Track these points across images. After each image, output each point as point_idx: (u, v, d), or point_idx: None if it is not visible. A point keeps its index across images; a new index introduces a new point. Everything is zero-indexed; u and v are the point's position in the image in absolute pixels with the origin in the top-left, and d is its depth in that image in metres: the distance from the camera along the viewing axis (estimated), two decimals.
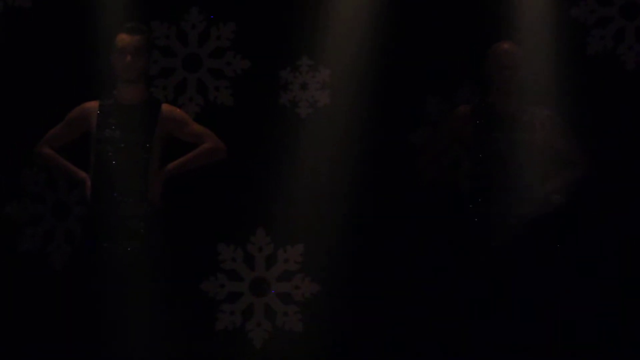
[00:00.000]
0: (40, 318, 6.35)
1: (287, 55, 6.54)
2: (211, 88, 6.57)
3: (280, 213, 6.50)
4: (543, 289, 5.84)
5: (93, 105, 5.80)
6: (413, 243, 6.45)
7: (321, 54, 6.51)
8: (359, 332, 6.43)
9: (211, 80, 6.57)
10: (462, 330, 5.94)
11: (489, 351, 5.77)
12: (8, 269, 6.42)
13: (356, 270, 6.46)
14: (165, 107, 5.85)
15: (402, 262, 6.44)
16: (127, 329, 5.67)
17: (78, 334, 5.74)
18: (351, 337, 6.43)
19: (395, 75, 6.47)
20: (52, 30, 6.40)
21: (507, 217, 5.83)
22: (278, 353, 6.49)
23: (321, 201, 6.49)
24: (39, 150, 5.85)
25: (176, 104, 6.27)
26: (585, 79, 6.32)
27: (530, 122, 5.88)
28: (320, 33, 6.47)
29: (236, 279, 6.55)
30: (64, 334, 6.07)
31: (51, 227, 6.50)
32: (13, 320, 6.38)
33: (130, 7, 6.14)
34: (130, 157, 5.71)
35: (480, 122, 5.90)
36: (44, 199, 6.52)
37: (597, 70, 6.41)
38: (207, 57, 6.58)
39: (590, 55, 6.44)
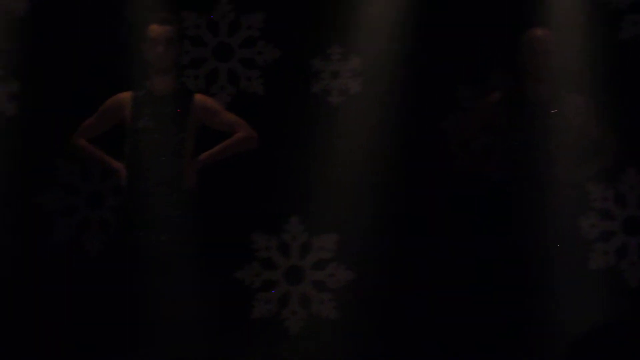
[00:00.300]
0: (75, 306, 6.39)
1: (318, 43, 6.53)
2: (242, 77, 6.59)
3: (314, 201, 6.50)
4: (571, 280, 5.82)
5: (126, 96, 5.84)
6: (446, 230, 6.44)
7: (352, 41, 6.50)
8: (393, 318, 6.43)
9: (242, 69, 6.59)
10: (494, 317, 5.93)
11: (522, 334, 5.77)
12: (43, 258, 6.46)
13: (390, 258, 6.45)
14: (197, 96, 5.88)
15: (436, 249, 6.43)
16: (162, 318, 5.69)
17: (113, 323, 5.78)
18: (386, 323, 6.43)
19: (427, 62, 6.45)
20: (84, 21, 6.43)
21: (539, 204, 5.82)
22: (313, 340, 6.50)
23: (354, 189, 6.48)
24: (73, 141, 5.90)
25: (208, 94, 6.29)
26: (618, 64, 6.27)
27: (564, 108, 5.85)
28: (351, 21, 6.46)
29: (271, 268, 6.57)
30: (98, 322, 6.11)
31: (85, 217, 6.55)
32: (48, 309, 6.43)
33: None
34: (163, 146, 5.74)
35: (512, 109, 5.88)
36: (78, 189, 6.56)
37: (630, 55, 6.36)
38: (238, 47, 6.60)
39: (623, 40, 6.39)
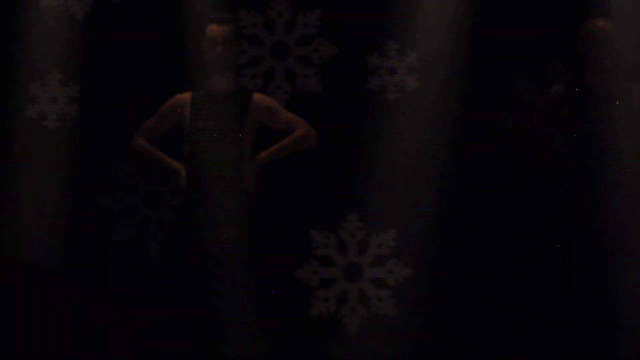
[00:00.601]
0: (136, 307, 6.41)
1: (374, 40, 6.52)
2: (299, 75, 6.58)
3: (372, 198, 6.49)
4: (633, 277, 5.74)
5: (185, 96, 5.85)
6: (505, 225, 6.40)
7: (408, 37, 6.48)
8: (452, 315, 6.40)
9: (299, 67, 6.58)
10: (556, 315, 5.88)
11: (585, 336, 5.71)
12: (105, 259, 6.50)
13: (449, 254, 6.43)
14: (256, 95, 5.88)
15: (493, 244, 6.39)
16: (222, 317, 5.70)
17: (173, 323, 5.79)
18: (445, 320, 6.41)
19: (484, 56, 6.42)
20: (142, 23, 6.46)
21: (603, 199, 5.75)
22: (373, 338, 6.49)
23: (412, 185, 6.46)
24: (133, 142, 5.91)
25: (265, 93, 6.29)
26: None
27: (628, 100, 5.78)
28: (407, 16, 6.44)
29: (329, 265, 6.56)
30: (158, 323, 6.13)
31: (145, 218, 6.57)
32: (109, 310, 6.45)
33: None
34: (223, 146, 5.75)
35: (574, 101, 5.83)
36: (137, 190, 6.59)
37: None
38: (295, 45, 6.59)
39: None
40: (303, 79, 6.58)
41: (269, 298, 5.97)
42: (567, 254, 5.78)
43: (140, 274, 6.47)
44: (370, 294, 6.53)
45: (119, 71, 6.45)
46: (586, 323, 5.69)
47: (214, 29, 5.76)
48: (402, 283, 6.52)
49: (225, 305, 5.71)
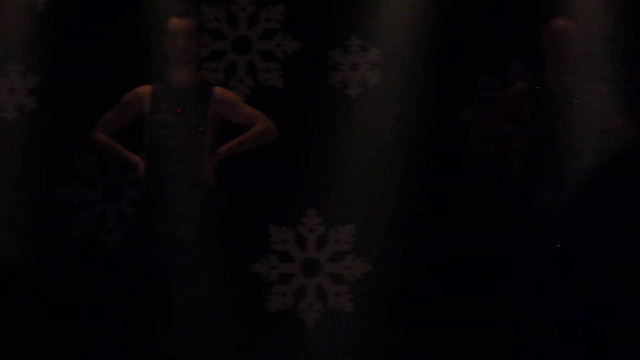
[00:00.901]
0: (93, 300, 6.38)
1: (336, 35, 6.51)
2: (261, 70, 6.56)
3: (331, 194, 6.48)
4: (585, 273, 5.78)
5: (145, 89, 5.82)
6: (464, 222, 6.42)
7: (371, 33, 6.47)
8: (409, 311, 6.42)
9: (261, 62, 6.56)
10: (508, 310, 5.92)
11: (532, 329, 5.75)
12: (62, 251, 6.46)
13: (407, 250, 6.44)
14: (217, 89, 5.85)
15: (452, 241, 6.41)
16: (180, 311, 5.68)
17: (130, 316, 5.77)
18: (402, 317, 6.42)
19: (446, 53, 6.42)
20: (103, 15, 6.41)
21: (561, 196, 5.79)
22: (330, 333, 6.49)
23: (372, 181, 6.47)
24: (92, 135, 5.88)
25: (227, 87, 6.27)
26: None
27: (587, 98, 5.82)
28: (369, 12, 6.44)
29: (288, 260, 6.56)
30: (116, 316, 6.10)
31: (103, 211, 6.53)
32: (67, 303, 6.42)
33: None
34: (182, 140, 5.72)
35: (535, 99, 5.85)
36: (96, 183, 6.55)
37: None
38: (257, 39, 6.57)
39: None
40: (265, 74, 6.56)
41: (227, 293, 5.96)
42: (523, 249, 5.82)
43: (98, 267, 6.43)
44: (329, 289, 6.53)
45: (79, 63, 6.39)
46: (540, 318, 5.73)
47: (176, 22, 5.73)
48: (360, 279, 6.53)
49: (183, 299, 5.70)
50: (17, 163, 6.41)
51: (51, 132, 6.44)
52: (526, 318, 5.76)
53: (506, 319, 5.95)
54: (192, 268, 5.72)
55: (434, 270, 6.43)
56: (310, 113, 6.49)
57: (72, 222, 6.52)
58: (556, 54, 5.81)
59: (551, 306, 5.73)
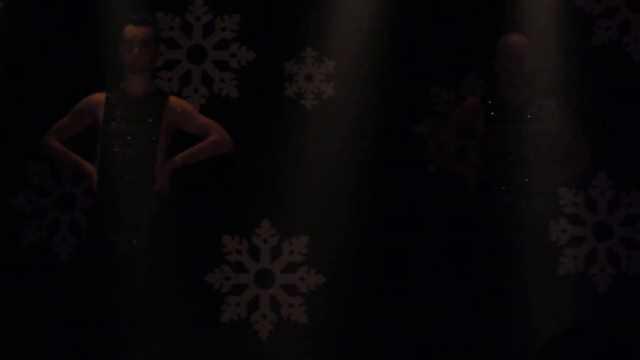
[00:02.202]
0: (45, 309, 6.34)
1: (291, 46, 6.52)
2: (216, 80, 6.56)
3: (285, 205, 6.48)
4: (541, 284, 5.83)
5: (100, 97, 5.79)
6: (418, 234, 6.44)
7: (326, 45, 6.49)
8: (363, 323, 6.43)
9: (216, 72, 6.55)
10: (464, 324, 5.94)
11: (488, 345, 5.78)
12: (13, 260, 6.40)
13: (361, 262, 6.45)
14: (172, 98, 5.84)
15: (407, 253, 6.44)
16: (132, 320, 5.65)
17: (82, 325, 5.73)
18: (356, 328, 6.43)
19: (400, 66, 6.46)
20: (58, 21, 6.38)
21: (514, 209, 5.83)
22: (283, 344, 6.48)
23: (326, 192, 6.48)
24: (45, 142, 5.83)
25: (181, 96, 6.26)
26: (591, 70, 6.31)
27: (539, 114, 5.87)
28: (325, 24, 6.46)
29: (241, 271, 6.54)
30: (68, 325, 6.06)
31: (56, 219, 6.48)
32: (18, 312, 6.37)
33: None
34: (136, 149, 5.69)
35: (488, 113, 5.89)
36: (48, 191, 6.50)
37: (602, 60, 6.39)
38: (212, 49, 6.56)
39: (596, 46, 6.43)
40: (220, 84, 6.56)
41: (180, 303, 5.94)
42: (479, 260, 5.85)
43: (50, 276, 6.38)
44: (282, 300, 6.53)
45: (32, 69, 6.36)
46: (496, 328, 5.77)
47: (131, 30, 5.71)
48: (313, 290, 6.52)
49: (136, 309, 5.66)
50: None
51: (3, 139, 6.38)
52: (483, 325, 5.79)
53: (463, 327, 5.97)
54: (145, 278, 5.69)
55: (388, 281, 6.44)
56: (264, 124, 6.49)
57: (23, 231, 6.46)
58: (509, 69, 5.86)
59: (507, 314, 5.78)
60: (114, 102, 5.75)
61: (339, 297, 6.46)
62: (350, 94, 6.49)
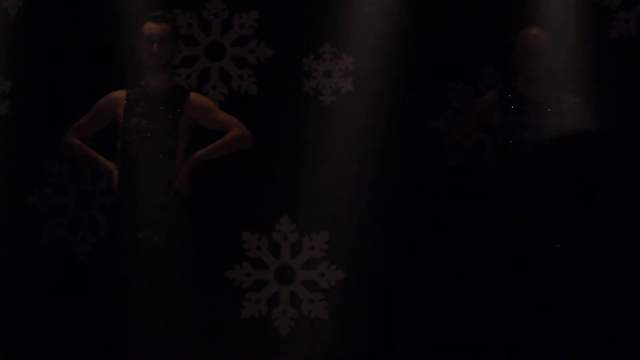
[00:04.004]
0: (65, 308, 6.35)
1: (310, 42, 6.52)
2: (235, 76, 6.56)
3: (305, 201, 6.49)
4: (559, 280, 5.82)
5: (120, 94, 5.79)
6: (437, 229, 6.44)
7: (344, 40, 6.50)
8: (384, 319, 6.43)
9: (234, 68, 6.56)
10: (483, 316, 5.94)
11: (503, 337, 5.78)
12: (32, 259, 6.41)
13: (381, 257, 6.45)
14: (192, 95, 5.84)
15: (427, 247, 6.43)
16: (153, 318, 5.66)
17: (103, 323, 5.74)
18: (377, 324, 6.43)
19: (418, 61, 6.46)
20: (76, 19, 6.39)
21: (534, 203, 5.82)
22: (304, 340, 6.48)
23: (345, 188, 6.48)
24: (66, 140, 5.84)
25: (200, 93, 6.26)
26: (610, 62, 6.29)
27: (558, 108, 5.86)
28: (343, 20, 6.46)
29: (261, 267, 6.55)
30: (88, 324, 6.08)
31: (75, 217, 6.49)
32: (37, 310, 6.38)
33: None
34: (156, 146, 5.70)
35: (507, 108, 5.89)
36: (67, 189, 6.51)
37: (621, 53, 6.38)
38: (230, 46, 6.57)
39: (614, 39, 6.42)
40: (238, 80, 6.56)
41: (201, 300, 5.94)
42: (497, 256, 5.84)
43: (69, 274, 6.39)
44: (302, 296, 6.53)
45: (52, 68, 6.37)
46: (519, 325, 5.77)
47: (150, 27, 5.71)
48: (334, 286, 6.52)
49: (156, 306, 5.66)
50: None
51: (22, 137, 6.39)
52: (500, 321, 5.79)
53: (482, 324, 5.97)
54: (166, 275, 5.69)
55: (408, 276, 6.43)
56: (283, 120, 6.50)
57: (42, 229, 6.47)
58: (528, 63, 5.85)
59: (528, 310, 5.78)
60: (134, 99, 5.75)
61: (360, 293, 6.45)
62: (368, 90, 6.49)
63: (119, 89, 5.81)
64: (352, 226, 6.47)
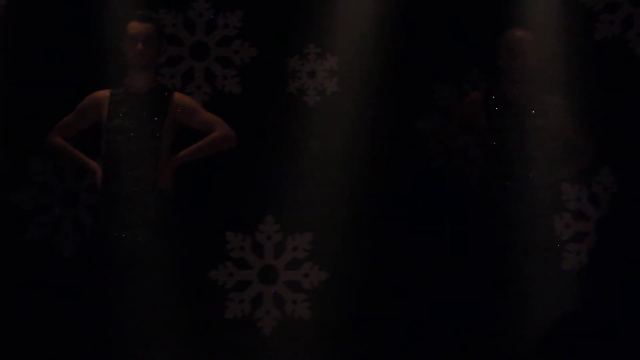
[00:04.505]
0: (48, 306, 6.34)
1: (294, 43, 6.52)
2: (219, 76, 6.55)
3: (289, 201, 6.48)
4: (545, 279, 5.84)
5: (104, 94, 5.78)
6: (421, 230, 6.44)
7: (328, 41, 6.50)
8: (367, 319, 6.43)
9: (219, 68, 6.55)
10: (466, 317, 5.96)
11: (492, 341, 5.79)
12: (16, 257, 6.39)
13: (364, 258, 6.45)
14: (176, 95, 5.84)
15: (410, 249, 6.44)
16: (136, 317, 5.65)
17: (86, 322, 5.73)
18: (359, 324, 6.43)
19: (403, 62, 6.46)
20: (60, 19, 6.38)
21: (517, 204, 5.83)
22: (287, 341, 6.48)
23: (329, 189, 6.48)
24: (50, 139, 5.83)
25: (184, 93, 6.25)
26: (594, 64, 6.31)
27: (542, 109, 5.87)
28: (327, 20, 6.46)
29: (245, 267, 6.54)
30: (71, 322, 6.07)
31: (59, 216, 6.48)
32: (21, 309, 6.37)
33: None
34: (140, 145, 5.69)
35: (492, 109, 5.89)
36: (51, 188, 6.50)
37: (605, 55, 6.40)
38: (215, 46, 6.56)
39: (598, 41, 6.43)
40: (223, 80, 6.56)
41: (184, 299, 5.94)
42: (482, 255, 5.86)
43: (53, 273, 6.37)
44: (286, 296, 6.53)
45: (35, 67, 6.35)
46: (498, 321, 5.78)
47: (135, 26, 5.70)
48: (317, 286, 6.52)
49: (140, 306, 5.66)
50: None
51: (6, 136, 6.37)
52: (488, 319, 5.81)
53: (466, 324, 5.99)
54: (149, 275, 5.68)
55: (391, 277, 6.44)
56: (267, 120, 6.50)
57: (26, 228, 6.45)
58: (512, 65, 5.86)
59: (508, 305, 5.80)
60: (117, 99, 5.74)
61: (343, 294, 6.45)
62: (353, 90, 6.50)
63: (103, 88, 5.80)
64: (336, 227, 6.46)
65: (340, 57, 6.51)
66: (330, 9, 6.42)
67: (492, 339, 5.80)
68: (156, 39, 5.73)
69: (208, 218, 6.47)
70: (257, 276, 6.55)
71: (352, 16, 6.43)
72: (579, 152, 5.94)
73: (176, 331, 5.79)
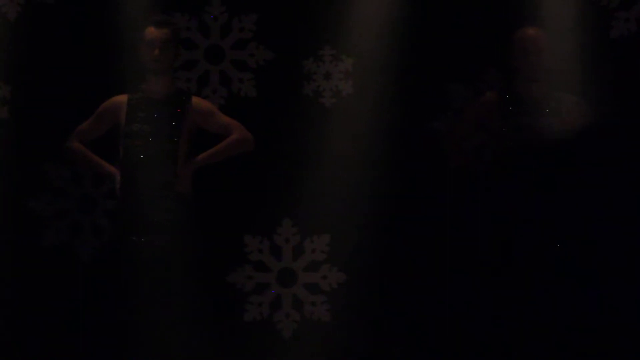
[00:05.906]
0: (67, 311, 6.35)
1: (309, 45, 6.52)
2: (235, 80, 6.56)
3: (306, 203, 6.49)
4: (557, 281, 5.84)
5: (122, 99, 5.80)
6: (438, 230, 6.44)
7: (343, 43, 6.50)
8: (386, 320, 6.43)
9: (234, 71, 6.56)
10: (485, 318, 5.95)
11: (508, 332, 5.79)
12: (34, 263, 6.41)
13: (382, 259, 6.46)
14: (194, 99, 5.86)
15: (428, 249, 6.44)
16: (155, 321, 5.66)
17: (106, 327, 5.75)
18: (378, 326, 6.43)
19: (418, 62, 6.46)
20: (76, 24, 6.39)
21: (534, 202, 5.83)
22: (306, 343, 6.49)
23: (346, 190, 6.48)
24: (68, 145, 5.85)
25: (200, 96, 6.26)
26: (609, 62, 6.30)
27: (557, 108, 5.86)
28: (342, 22, 6.46)
29: (263, 270, 6.55)
30: (91, 327, 6.08)
31: (77, 221, 6.49)
32: (40, 315, 6.39)
33: (153, 0, 6.14)
34: (158, 150, 5.71)
35: (506, 108, 5.89)
36: (68, 193, 6.51)
37: (621, 53, 6.39)
38: (230, 49, 6.57)
39: (613, 39, 6.42)
40: (238, 83, 6.56)
41: (203, 303, 5.95)
42: (499, 255, 5.86)
43: (72, 278, 6.39)
44: (304, 299, 6.53)
45: (52, 72, 6.36)
46: (518, 322, 5.78)
47: (152, 32, 5.72)
48: (335, 288, 6.53)
49: (159, 309, 5.67)
50: None
51: (23, 142, 6.39)
52: (508, 323, 5.81)
53: (483, 326, 5.98)
54: (168, 278, 5.70)
55: (409, 278, 6.44)
56: (284, 123, 6.50)
57: (44, 233, 6.46)
58: (526, 64, 5.85)
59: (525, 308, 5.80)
60: (135, 104, 5.76)
61: (361, 295, 6.46)
62: (368, 92, 6.50)
63: (120, 93, 5.82)
64: (354, 228, 6.47)
65: (355, 58, 6.52)
66: (344, 10, 6.43)
67: (511, 339, 5.80)
68: (173, 43, 5.75)
69: (226, 221, 6.47)
70: (275, 279, 6.55)
71: (367, 17, 6.43)
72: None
73: (196, 334, 5.80)
